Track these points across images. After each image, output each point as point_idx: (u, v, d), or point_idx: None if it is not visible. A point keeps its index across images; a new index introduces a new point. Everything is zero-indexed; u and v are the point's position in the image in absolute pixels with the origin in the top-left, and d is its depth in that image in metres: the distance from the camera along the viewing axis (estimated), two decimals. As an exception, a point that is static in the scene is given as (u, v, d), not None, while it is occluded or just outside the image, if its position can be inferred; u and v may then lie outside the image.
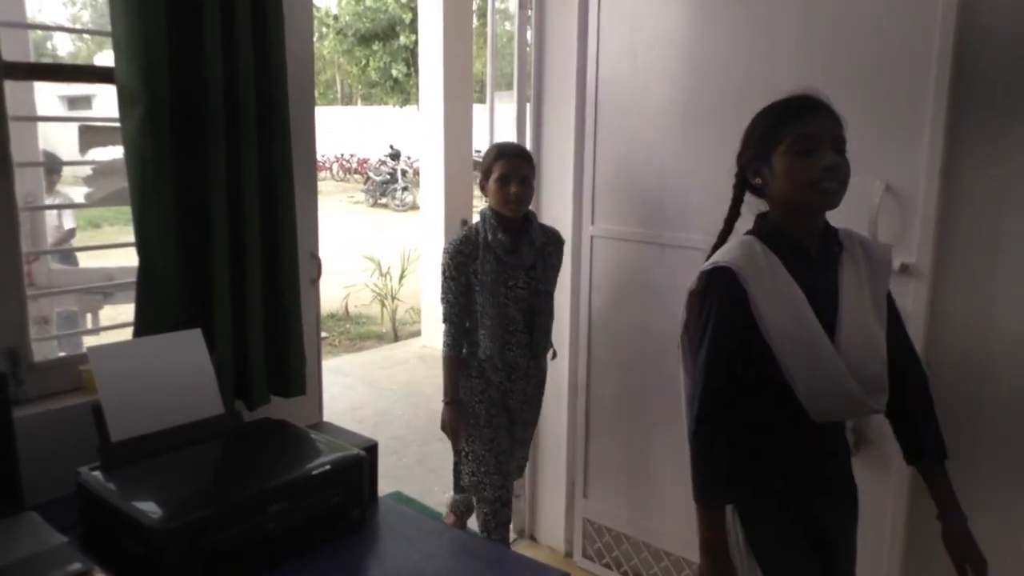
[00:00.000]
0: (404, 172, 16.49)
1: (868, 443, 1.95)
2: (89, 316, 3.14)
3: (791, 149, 1.36)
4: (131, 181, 1.55)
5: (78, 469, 1.31)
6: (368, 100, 25.66)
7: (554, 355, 2.58)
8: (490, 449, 2.39)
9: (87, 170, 2.67)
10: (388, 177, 16.59)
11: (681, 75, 2.31)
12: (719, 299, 1.40)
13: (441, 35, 5.56)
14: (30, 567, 1.11)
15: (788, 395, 1.38)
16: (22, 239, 1.55)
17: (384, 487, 1.72)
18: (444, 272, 2.35)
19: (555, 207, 2.71)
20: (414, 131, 12.10)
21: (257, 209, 1.69)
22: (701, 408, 1.40)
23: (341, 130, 21.38)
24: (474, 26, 6.42)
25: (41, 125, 2.61)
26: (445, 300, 2.36)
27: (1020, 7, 1.73)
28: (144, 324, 1.59)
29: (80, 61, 23.52)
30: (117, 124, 1.55)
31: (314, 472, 1.36)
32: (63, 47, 27.52)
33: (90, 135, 2.02)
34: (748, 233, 1.48)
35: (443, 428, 2.43)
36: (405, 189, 16.09)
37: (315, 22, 2.44)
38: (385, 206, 16.32)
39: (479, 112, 5.26)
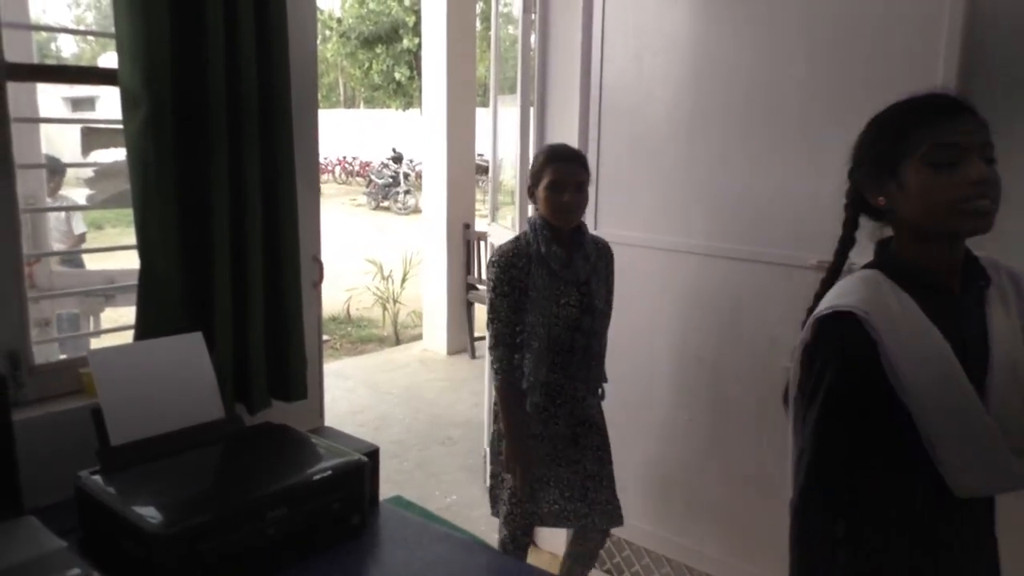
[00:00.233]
0: (406, 175, 16.53)
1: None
2: (91, 319, 3.14)
3: (928, 161, 1.11)
4: (133, 183, 1.55)
5: (77, 473, 1.30)
6: (371, 103, 25.74)
7: (602, 394, 2.21)
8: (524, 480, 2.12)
9: (89, 172, 2.67)
10: (390, 180, 16.63)
11: (686, 80, 2.30)
12: (839, 351, 1.15)
13: (444, 38, 5.57)
14: (28, 571, 1.10)
15: (924, 467, 1.13)
16: (23, 241, 1.54)
17: (385, 491, 1.71)
18: (494, 287, 2.07)
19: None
20: (417, 134, 12.12)
21: (259, 212, 1.68)
22: (808, 480, 1.17)
23: (344, 133, 21.42)
24: (477, 30, 6.42)
25: (44, 127, 2.61)
26: (496, 320, 2.08)
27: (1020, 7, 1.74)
28: (145, 327, 1.59)
29: (84, 63, 23.62)
30: (120, 126, 1.55)
31: (315, 478, 1.35)
32: (67, 48, 27.69)
33: (93, 137, 2.02)
34: (868, 266, 1.21)
35: (507, 469, 2.14)
36: (407, 192, 16.11)
37: (318, 25, 2.43)
38: (387, 209, 16.34)
39: (482, 116, 5.27)
